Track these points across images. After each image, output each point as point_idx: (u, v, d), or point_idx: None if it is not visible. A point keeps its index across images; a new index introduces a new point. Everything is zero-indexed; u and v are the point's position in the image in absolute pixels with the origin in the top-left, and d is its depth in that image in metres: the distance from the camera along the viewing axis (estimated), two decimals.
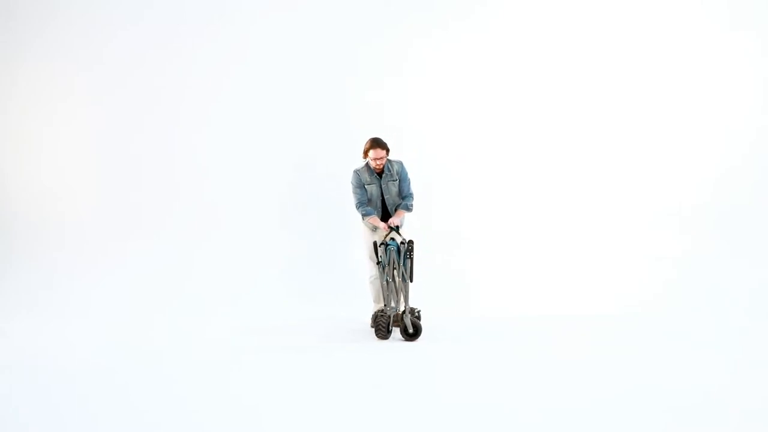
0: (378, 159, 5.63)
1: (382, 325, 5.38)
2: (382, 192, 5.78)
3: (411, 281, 5.43)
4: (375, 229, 5.81)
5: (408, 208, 5.76)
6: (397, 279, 5.43)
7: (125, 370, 4.53)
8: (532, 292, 6.76)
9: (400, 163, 5.79)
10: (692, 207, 7.04)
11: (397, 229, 5.58)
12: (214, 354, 5.00)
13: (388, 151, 5.69)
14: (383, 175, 5.74)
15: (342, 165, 6.81)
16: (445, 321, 5.86)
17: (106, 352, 5.10)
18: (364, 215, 5.75)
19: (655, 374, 4.29)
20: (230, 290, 6.81)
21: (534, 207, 7.19)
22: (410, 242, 5.46)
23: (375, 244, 5.55)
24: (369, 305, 5.98)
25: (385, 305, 5.48)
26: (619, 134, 7.19)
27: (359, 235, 6.08)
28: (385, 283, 5.44)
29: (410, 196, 5.79)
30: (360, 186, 5.75)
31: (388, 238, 5.52)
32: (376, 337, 5.42)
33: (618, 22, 7.19)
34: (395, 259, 5.41)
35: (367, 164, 5.75)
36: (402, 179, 5.76)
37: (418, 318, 5.54)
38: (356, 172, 5.77)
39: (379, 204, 5.82)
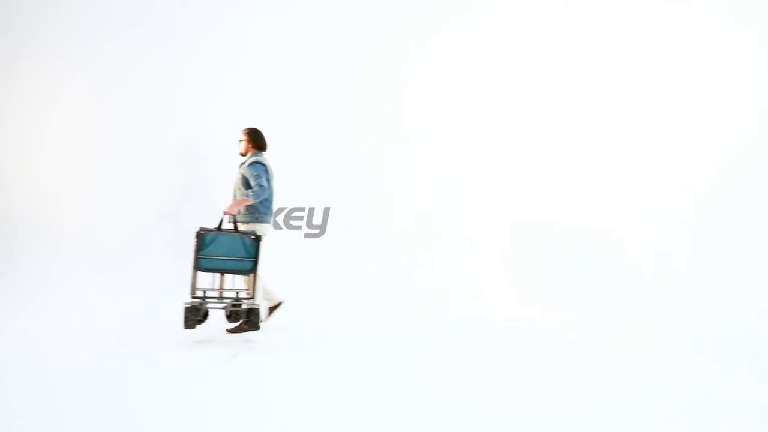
0: (240, 141, 5.72)
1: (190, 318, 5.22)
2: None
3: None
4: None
5: (247, 195, 5.54)
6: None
7: (125, 370, 4.53)
8: (532, 293, 6.76)
9: (253, 162, 5.65)
10: (692, 207, 7.04)
11: (228, 217, 5.43)
12: (214, 354, 5.00)
13: (249, 136, 5.68)
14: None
15: (341, 165, 6.82)
16: (441, 322, 5.86)
17: (106, 352, 5.10)
18: None
19: (655, 375, 4.29)
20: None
21: (534, 207, 7.19)
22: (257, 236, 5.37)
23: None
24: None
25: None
26: (620, 135, 7.19)
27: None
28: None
29: (253, 189, 5.56)
30: None
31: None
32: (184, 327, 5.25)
33: (617, 23, 7.19)
34: None
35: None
36: (249, 176, 5.61)
37: (254, 310, 5.37)
38: None
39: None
